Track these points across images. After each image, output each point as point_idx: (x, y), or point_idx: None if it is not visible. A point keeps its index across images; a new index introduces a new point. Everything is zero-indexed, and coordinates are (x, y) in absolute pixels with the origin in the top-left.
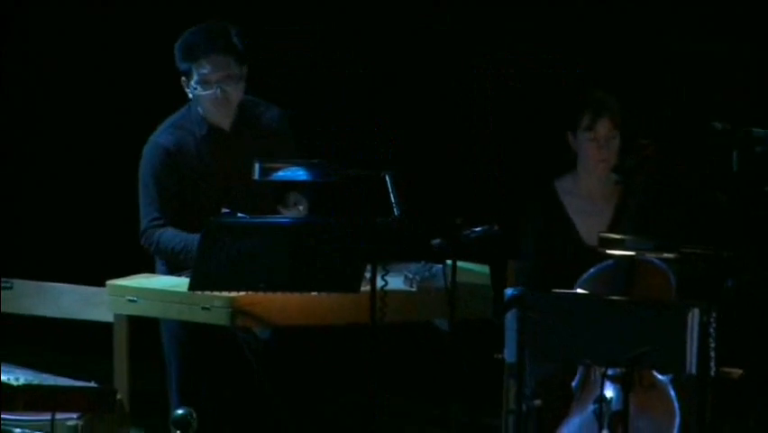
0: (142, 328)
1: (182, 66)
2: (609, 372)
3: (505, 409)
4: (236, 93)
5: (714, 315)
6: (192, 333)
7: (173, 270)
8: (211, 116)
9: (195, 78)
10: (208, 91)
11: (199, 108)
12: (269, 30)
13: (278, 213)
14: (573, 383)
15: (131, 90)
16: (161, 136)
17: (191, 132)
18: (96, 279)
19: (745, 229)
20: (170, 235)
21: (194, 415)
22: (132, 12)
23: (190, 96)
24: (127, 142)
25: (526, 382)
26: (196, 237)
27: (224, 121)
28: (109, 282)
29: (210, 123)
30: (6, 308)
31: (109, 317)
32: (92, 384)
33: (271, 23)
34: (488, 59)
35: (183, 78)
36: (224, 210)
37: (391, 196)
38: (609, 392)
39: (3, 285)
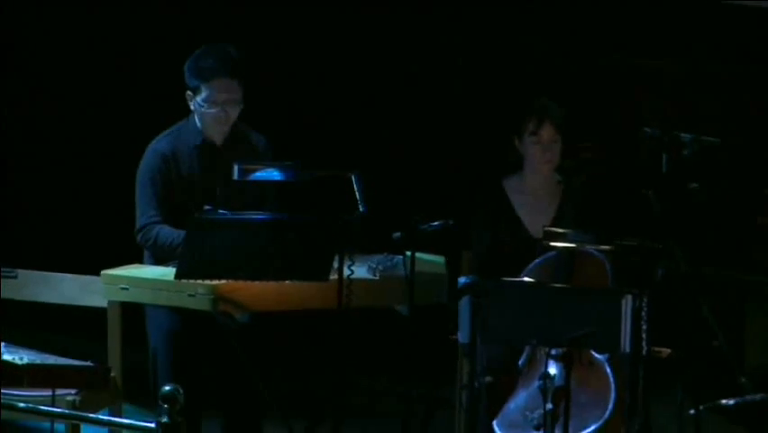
0: (134, 314)
1: (191, 83)
2: (552, 351)
3: (459, 385)
4: (236, 113)
5: (646, 300)
6: (176, 320)
7: (158, 261)
8: (208, 130)
9: (202, 95)
10: (213, 110)
11: (197, 121)
12: (251, 38)
13: None
14: (520, 362)
15: (131, 96)
16: (160, 143)
17: (187, 141)
18: (92, 269)
19: (673, 224)
20: (168, 231)
21: (180, 391)
22: (141, 21)
23: (192, 108)
24: (124, 149)
25: (478, 361)
26: None
27: (219, 136)
28: (103, 272)
29: (205, 135)
30: (11, 295)
31: (103, 304)
32: (88, 363)
33: (245, 29)
34: (442, 71)
35: (189, 93)
36: (207, 207)
37: (357, 194)
38: (553, 370)
39: (8, 274)
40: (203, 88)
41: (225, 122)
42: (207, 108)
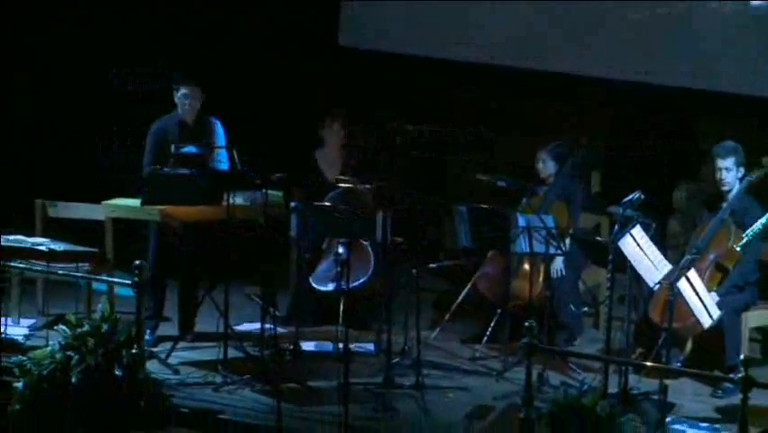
0: (120, 224)
1: (174, 85)
2: (341, 240)
3: (291, 260)
4: (197, 102)
5: (389, 214)
6: (155, 233)
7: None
8: (183, 114)
9: (179, 93)
10: (184, 101)
11: (179, 109)
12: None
13: None
14: (323, 245)
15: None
16: (155, 125)
17: (172, 121)
18: (97, 199)
19: (403, 173)
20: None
21: (145, 262)
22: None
23: (176, 101)
24: (136, 124)
25: (302, 247)
26: None
27: (190, 118)
28: (103, 202)
29: (182, 118)
30: (54, 215)
31: (103, 218)
32: (96, 249)
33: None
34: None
35: (174, 91)
36: (157, 167)
37: (236, 160)
38: (340, 249)
39: (52, 205)
40: (180, 88)
41: (191, 106)
42: (180, 99)
